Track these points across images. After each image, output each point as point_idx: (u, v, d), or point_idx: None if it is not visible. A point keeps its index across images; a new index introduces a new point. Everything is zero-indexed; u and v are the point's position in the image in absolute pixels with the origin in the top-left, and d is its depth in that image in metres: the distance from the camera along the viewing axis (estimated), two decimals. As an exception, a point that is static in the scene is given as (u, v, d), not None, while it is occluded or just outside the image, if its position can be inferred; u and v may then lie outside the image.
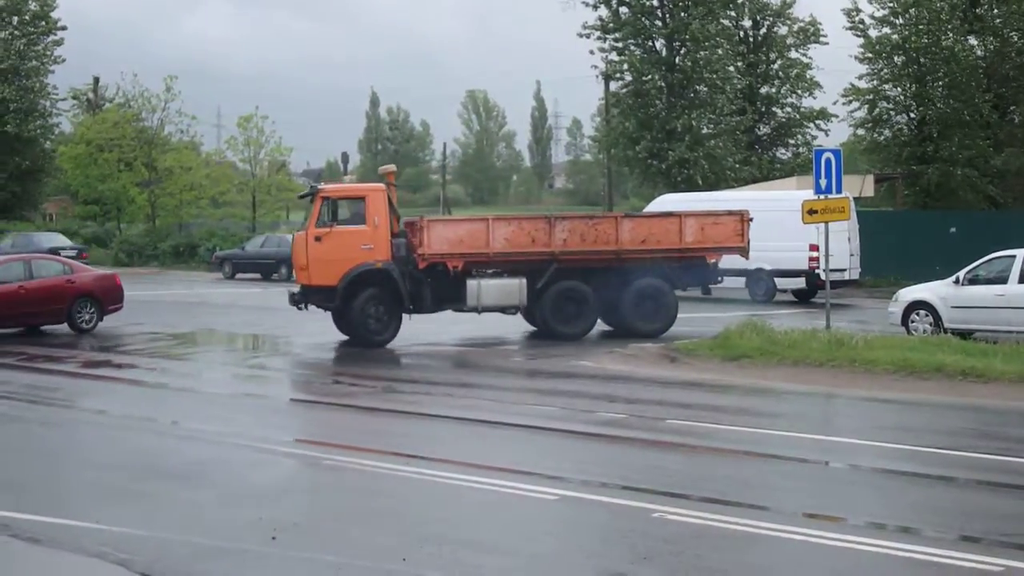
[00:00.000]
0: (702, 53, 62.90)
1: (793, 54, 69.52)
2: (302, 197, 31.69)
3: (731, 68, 65.45)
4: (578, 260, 30.36)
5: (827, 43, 69.05)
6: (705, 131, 63.23)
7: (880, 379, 23.25)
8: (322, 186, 30.36)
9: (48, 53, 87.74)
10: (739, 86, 65.58)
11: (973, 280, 28.74)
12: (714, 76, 63.15)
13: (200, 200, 75.68)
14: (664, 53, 64.53)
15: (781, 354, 25.13)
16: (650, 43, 64.83)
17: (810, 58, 69.29)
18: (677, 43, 63.92)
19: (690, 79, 63.20)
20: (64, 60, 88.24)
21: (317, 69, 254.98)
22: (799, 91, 69.43)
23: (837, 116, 66.89)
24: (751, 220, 31.78)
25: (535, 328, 31.52)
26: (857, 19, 61.81)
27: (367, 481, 15.29)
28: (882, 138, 63.18)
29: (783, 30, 69.49)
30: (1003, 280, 28.06)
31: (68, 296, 32.99)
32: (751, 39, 69.54)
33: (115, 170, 74.81)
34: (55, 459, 17.46)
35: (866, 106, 62.07)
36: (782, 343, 25.75)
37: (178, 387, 24.43)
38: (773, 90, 69.77)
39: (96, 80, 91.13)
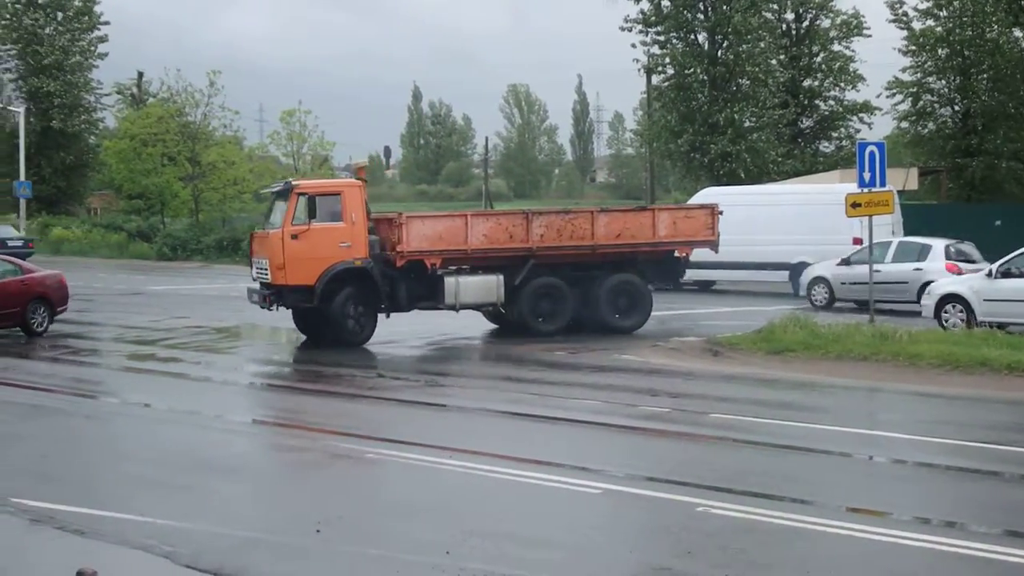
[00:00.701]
0: (744, 46, 62.59)
1: (836, 47, 69.06)
2: (277, 193, 29.95)
3: (774, 61, 65.12)
4: (555, 256, 29.90)
5: (870, 36, 68.63)
6: (747, 124, 62.91)
7: (924, 373, 23.15)
8: (297, 182, 29.48)
9: (92, 48, 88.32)
10: (782, 79, 65.26)
11: (1006, 273, 28.38)
12: (757, 69, 62.83)
13: (243, 194, 75.81)
14: (706, 46, 64.26)
15: (825, 348, 25.05)
16: (692, 36, 64.56)
17: (853, 51, 68.87)
18: (719, 36, 63.64)
19: (732, 72, 62.93)
20: (107, 55, 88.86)
21: (358, 64, 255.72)
22: (842, 84, 68.99)
23: (881, 109, 66.49)
24: (721, 213, 31.71)
25: (496, 326, 31.27)
26: (900, 12, 61.44)
27: (410, 474, 15.33)
28: (926, 131, 62.77)
29: (826, 23, 69.04)
30: None
31: (23, 298, 31.11)
32: (794, 32, 69.15)
33: (159, 165, 75.13)
34: (100, 452, 17.59)
35: (910, 99, 61.69)
36: (826, 337, 25.66)
37: (221, 380, 24.55)
38: (816, 83, 69.36)
39: (140, 75, 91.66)
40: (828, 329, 26.12)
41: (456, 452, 16.31)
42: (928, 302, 29.76)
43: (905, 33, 61.40)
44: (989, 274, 28.71)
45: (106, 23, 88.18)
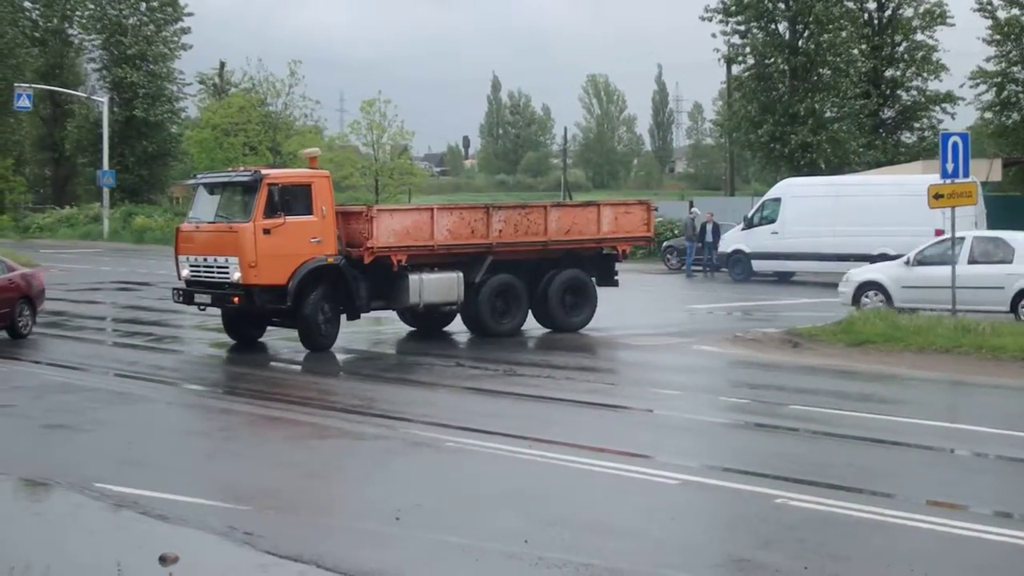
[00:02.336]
0: (826, 36, 62.19)
1: (919, 36, 68.43)
2: (226, 183, 27.26)
3: (855, 51, 64.64)
4: (511, 252, 28.61)
5: (954, 25, 67.95)
6: (828, 115, 62.53)
7: (1007, 366, 22.90)
8: (267, 171, 26.86)
9: (175, 39, 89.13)
10: (863, 69, 64.78)
11: (923, 261, 29.71)
12: (838, 59, 62.42)
13: (324, 184, 76.21)
14: (787, 36, 63.93)
15: (906, 340, 24.84)
16: (773, 26, 64.25)
17: (936, 40, 68.22)
18: (800, 26, 63.29)
19: (813, 62, 62.54)
20: (191, 47, 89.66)
21: (438, 54, 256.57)
22: (925, 74, 68.37)
23: (964, 99, 65.83)
24: (656, 209, 31.42)
25: (413, 328, 29.72)
26: (985, 1, 60.80)
27: (489, 463, 15.39)
28: (1010, 122, 62.10)
29: (909, 12, 68.42)
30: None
31: (12, 300, 28.05)
32: (876, 21, 68.58)
33: (240, 154, 75.67)
34: (181, 438, 17.78)
35: (994, 89, 61.06)
36: (907, 329, 25.44)
37: (302, 368, 24.73)
38: (898, 73, 68.77)
39: (222, 65, 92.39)
40: (909, 321, 25.90)
41: (534, 441, 16.36)
42: (846, 289, 30.68)
43: (990, 22, 60.78)
44: (907, 262, 29.92)
45: (190, 14, 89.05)
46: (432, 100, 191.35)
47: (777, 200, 43.22)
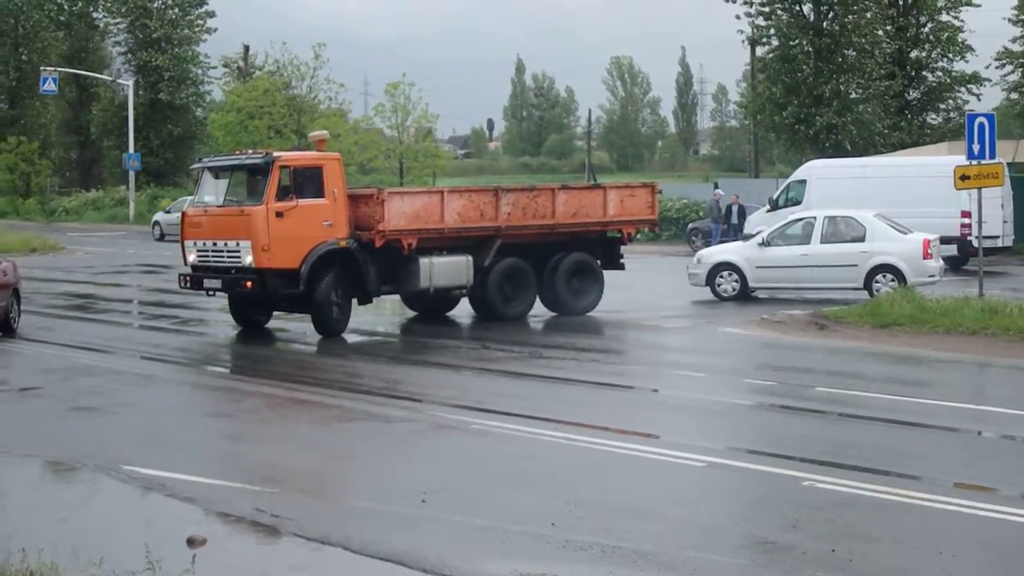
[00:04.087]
0: (850, 17, 61.96)
1: (944, 17, 68.08)
2: (235, 166, 26.80)
3: (880, 32, 64.37)
4: (519, 235, 28.34)
5: (979, 5, 67.52)
6: (853, 96, 62.31)
7: (1034, 348, 22.85)
8: (279, 153, 26.62)
9: (200, 22, 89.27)
10: (888, 50, 64.50)
11: (777, 241, 31.16)
12: (863, 40, 62.17)
13: (348, 167, 76.06)
14: (812, 17, 63.68)
15: (932, 322, 24.78)
16: (797, 7, 64.00)
17: (962, 21, 67.82)
18: (825, 7, 63.03)
19: (838, 43, 62.29)
20: (216, 30, 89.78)
21: (461, 36, 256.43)
22: (950, 55, 68.01)
23: (990, 80, 65.61)
24: (660, 192, 31.48)
25: (416, 313, 29.67)
26: (1011, -20, 60.55)
27: (515, 445, 15.41)
28: (1037, 103, 61.84)
29: (934, -7, 68.17)
30: (807, 240, 30.65)
31: (6, 294, 26.08)
32: (901, 2, 68.22)
33: (265, 137, 75.69)
34: (208, 421, 17.85)
35: (1020, 70, 60.81)
36: (933, 311, 25.37)
37: (325, 351, 24.78)
38: (923, 54, 68.44)
39: (246, 48, 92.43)
40: (936, 303, 25.82)
41: (560, 424, 16.37)
42: (699, 271, 31.82)
43: (1015, 2, 60.44)
44: (761, 243, 31.11)
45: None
46: (456, 82, 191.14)
47: (802, 182, 43.08)
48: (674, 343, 25.36)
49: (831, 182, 41.71)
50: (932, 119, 69.04)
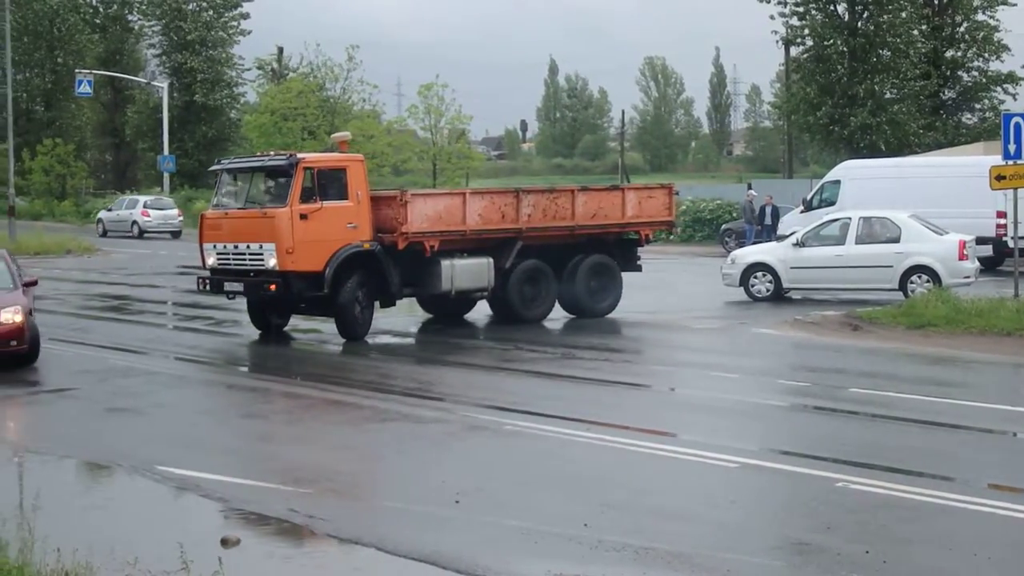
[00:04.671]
0: (885, 17, 61.82)
1: (980, 16, 67.87)
2: (275, 169, 26.03)
3: (915, 32, 64.19)
4: (540, 237, 28.02)
5: (1015, 4, 67.29)
6: (888, 96, 62.16)
7: (1070, 349, 22.72)
8: (303, 155, 26.06)
9: (234, 24, 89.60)
10: (923, 50, 64.30)
11: (811, 242, 31.08)
12: (897, 40, 62.02)
13: (382, 168, 76.29)
14: (846, 17, 63.58)
15: (967, 323, 24.66)
16: (832, 7, 63.91)
17: (997, 20, 67.62)
18: (859, 7, 62.90)
19: (873, 43, 62.16)
20: (250, 32, 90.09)
21: (494, 38, 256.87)
22: (986, 54, 67.79)
23: (1026, 79, 65.32)
24: (678, 193, 31.24)
25: (431, 315, 29.39)
26: (1047, -20, 60.26)
27: (548, 446, 15.40)
28: (1073, 102, 61.55)
29: (969, -8, 67.93)
30: (841, 241, 30.58)
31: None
32: (936, 2, 68.03)
33: (299, 139, 75.80)
34: (242, 421, 17.90)
35: (1056, 69, 60.48)
36: (968, 312, 25.25)
37: (357, 352, 24.82)
38: (959, 54, 68.22)
39: (280, 50, 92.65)
40: (971, 304, 25.70)
41: (593, 424, 16.36)
42: (733, 271, 31.76)
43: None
44: (795, 243, 31.25)
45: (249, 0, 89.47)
46: (489, 84, 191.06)
47: (836, 182, 42.90)
48: (707, 344, 25.29)
49: (865, 183, 41.51)
50: (967, 119, 68.82)
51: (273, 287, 24.91)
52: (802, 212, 43.76)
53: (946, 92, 68.58)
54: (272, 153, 28.03)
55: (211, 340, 26.79)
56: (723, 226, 53.70)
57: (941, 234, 30.46)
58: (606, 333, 26.84)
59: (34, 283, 23.63)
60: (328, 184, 25.31)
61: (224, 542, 11.28)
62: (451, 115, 76.94)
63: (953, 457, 14.81)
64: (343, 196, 25.36)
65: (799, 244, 31.01)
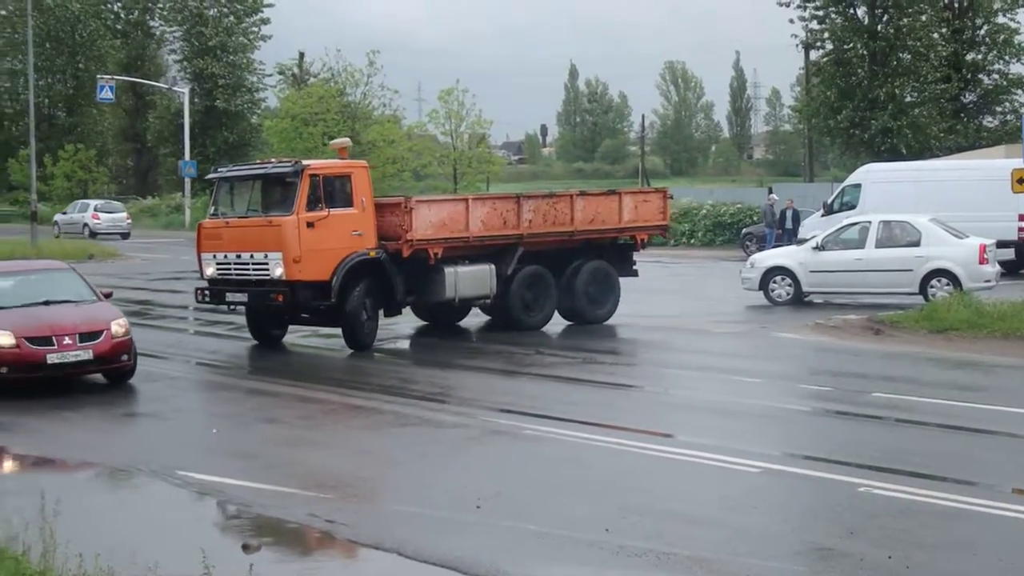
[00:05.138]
0: (905, 20, 61.69)
1: (1000, 19, 67.68)
2: (278, 177, 25.27)
3: (935, 35, 64.04)
4: (540, 243, 27.58)
5: (1036, 7, 67.18)
6: (909, 99, 62.02)
7: (1093, 353, 22.62)
8: (308, 162, 25.24)
9: (255, 30, 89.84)
10: (944, 53, 64.13)
11: (831, 246, 31.07)
12: (918, 43, 61.89)
13: (403, 172, 76.46)
14: (866, 21, 63.46)
15: (990, 327, 24.58)
16: (851, 11, 63.81)
17: (1018, 22, 67.42)
18: (879, 10, 62.80)
19: (893, 47, 62.04)
20: (271, 37, 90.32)
21: (513, 42, 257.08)
22: (1007, 57, 67.60)
23: (1047, 82, 65.13)
24: (671, 198, 30.95)
25: (426, 322, 28.90)
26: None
27: (568, 451, 15.38)
28: (1094, 105, 61.34)
29: (990, -5, 67.74)
30: (861, 245, 30.55)
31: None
32: (956, 4, 67.86)
33: (320, 144, 75.75)
34: (262, 426, 17.90)
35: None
36: (991, 315, 25.17)
37: (378, 358, 24.83)
38: (979, 56, 68.03)
39: (301, 55, 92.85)
40: (993, 307, 25.63)
41: (613, 429, 16.35)
42: (752, 275, 31.71)
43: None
44: (815, 247, 31.26)
45: (269, 5, 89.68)
46: (510, 88, 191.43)
47: (857, 186, 42.82)
48: (728, 348, 25.24)
49: (886, 186, 41.44)
50: (988, 122, 68.60)
51: (280, 297, 24.28)
52: (823, 216, 43.66)
53: (967, 95, 68.39)
54: (275, 161, 27.55)
55: (231, 345, 26.82)
56: (744, 230, 53.59)
57: (961, 238, 30.38)
58: (624, 337, 26.81)
59: (110, 295, 23.01)
60: (334, 191, 24.70)
61: (245, 548, 11.29)
62: (471, 120, 76.99)
63: (976, 461, 14.74)
64: (348, 203, 24.80)
65: (819, 248, 30.97)
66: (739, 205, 58.39)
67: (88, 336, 20.01)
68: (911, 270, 29.82)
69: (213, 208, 26.36)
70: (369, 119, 76.76)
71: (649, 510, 12.41)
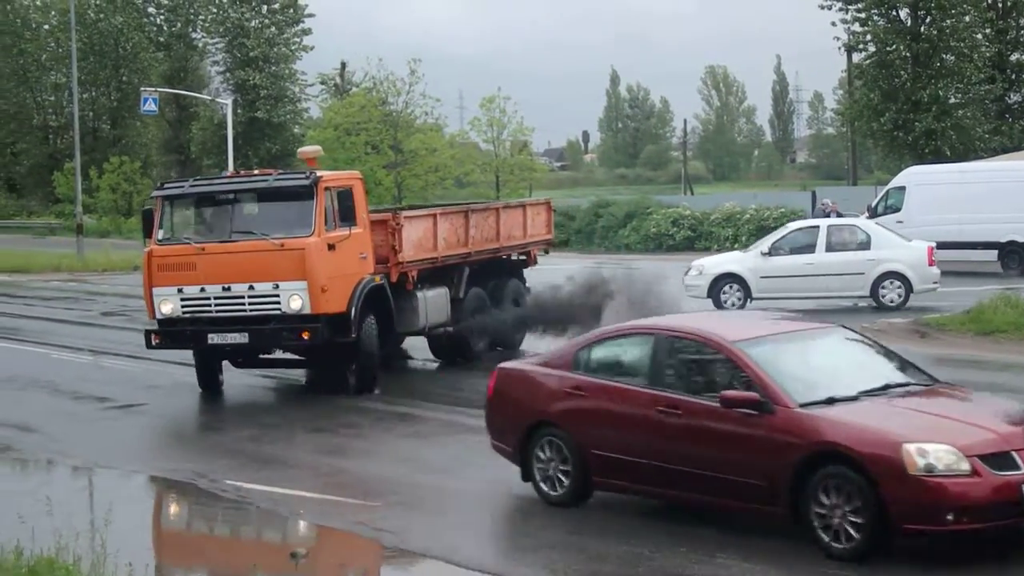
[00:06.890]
0: (948, 21, 61.37)
1: (1045, 19, 67.26)
2: (282, 191, 20.64)
3: (979, 35, 63.66)
4: (480, 260, 24.49)
5: (1081, 6, 66.71)
6: (953, 101, 61.68)
7: None
8: (321, 172, 20.68)
9: (297, 40, 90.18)
10: (988, 54, 63.73)
11: (779, 251, 30.66)
12: (961, 44, 61.54)
13: (445, 181, 76.64)
14: (909, 22, 63.14)
15: (1037, 328, 24.45)
16: (894, 12, 63.50)
17: (1063, 23, 67.00)
18: (922, 11, 62.47)
19: (936, 48, 61.70)
20: (313, 48, 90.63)
21: (554, 49, 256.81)
22: (1052, 57, 67.17)
23: (1093, 82, 64.66)
24: (554, 210, 28.50)
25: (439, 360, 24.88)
26: (1114, -20, 59.64)
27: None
28: None
29: (1034, -6, 67.33)
30: (811, 249, 30.26)
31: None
32: (1000, 5, 67.39)
33: (362, 153, 76.13)
34: (309, 436, 17.96)
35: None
36: (1038, 317, 25.03)
37: (422, 364, 24.89)
38: (1024, 57, 67.64)
39: (343, 65, 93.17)
40: (1041, 309, 25.49)
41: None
42: (700, 282, 30.83)
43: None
44: (764, 252, 30.68)
45: (311, 15, 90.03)
46: (551, 95, 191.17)
47: (901, 189, 42.64)
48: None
49: (930, 188, 41.25)
50: (1034, 123, 68.11)
51: (307, 335, 19.79)
52: (867, 219, 43.57)
53: (1012, 96, 67.90)
54: (256, 172, 23.62)
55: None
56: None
57: (908, 240, 30.75)
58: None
59: None
60: (342, 207, 20.40)
61: (293, 555, 11.34)
62: (513, 127, 77.16)
63: None
64: (355, 221, 20.57)
65: (767, 253, 30.70)
66: (782, 209, 58.19)
67: None
68: (863, 273, 29.92)
69: (164, 233, 20.73)
70: (411, 127, 76.96)
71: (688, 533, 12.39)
